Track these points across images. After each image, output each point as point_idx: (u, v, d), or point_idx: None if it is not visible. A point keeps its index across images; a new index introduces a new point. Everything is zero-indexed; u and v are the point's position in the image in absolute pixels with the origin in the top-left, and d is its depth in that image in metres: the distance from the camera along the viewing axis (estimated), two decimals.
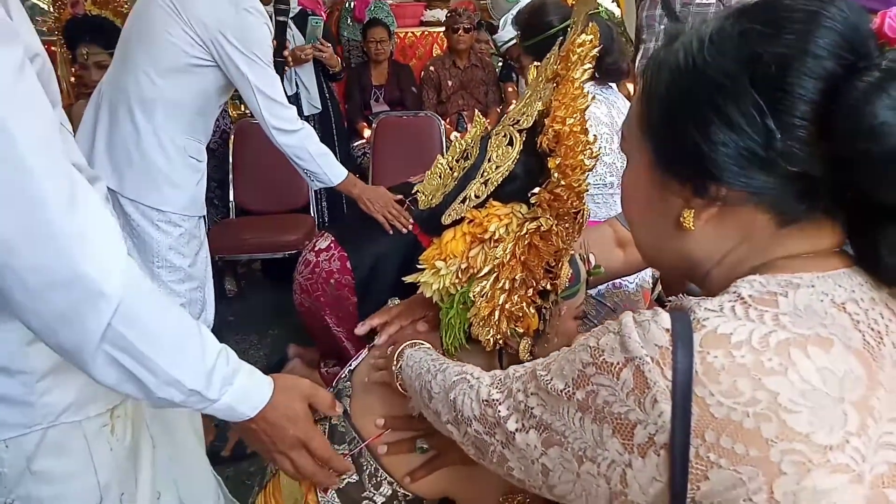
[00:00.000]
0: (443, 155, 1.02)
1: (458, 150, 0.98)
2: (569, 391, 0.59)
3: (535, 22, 1.87)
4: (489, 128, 1.00)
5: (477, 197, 0.90)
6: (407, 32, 5.33)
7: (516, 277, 0.89)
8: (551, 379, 0.61)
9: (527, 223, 0.88)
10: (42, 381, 0.94)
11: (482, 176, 0.90)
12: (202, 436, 1.48)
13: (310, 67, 3.58)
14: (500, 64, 4.64)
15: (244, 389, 0.91)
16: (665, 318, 0.55)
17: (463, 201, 0.91)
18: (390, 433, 0.99)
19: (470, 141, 0.96)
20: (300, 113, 3.80)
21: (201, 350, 0.87)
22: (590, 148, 0.84)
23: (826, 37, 0.53)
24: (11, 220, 0.71)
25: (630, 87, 2.44)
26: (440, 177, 0.98)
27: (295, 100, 3.47)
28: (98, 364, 0.80)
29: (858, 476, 0.48)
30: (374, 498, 0.99)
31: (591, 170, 0.85)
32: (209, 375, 0.86)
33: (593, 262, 1.11)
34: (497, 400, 0.68)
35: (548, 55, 0.90)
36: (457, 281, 0.92)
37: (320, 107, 3.63)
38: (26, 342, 0.91)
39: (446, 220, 0.92)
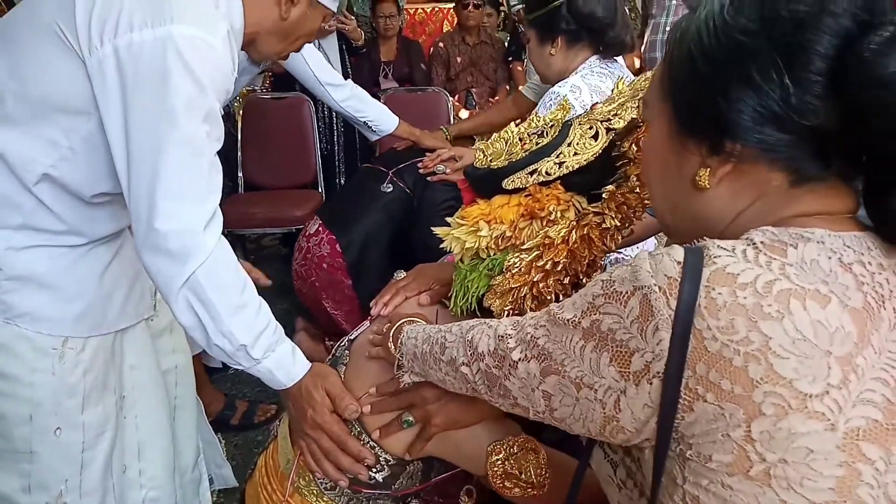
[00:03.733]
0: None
1: (533, 125, 1.00)
2: (575, 320, 0.62)
3: None
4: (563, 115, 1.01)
5: (548, 174, 0.92)
6: (417, 9, 5.30)
7: (559, 261, 0.91)
8: (562, 311, 0.65)
9: (590, 215, 0.91)
10: (9, 281, 1.10)
11: (557, 157, 0.92)
12: (189, 411, 1.52)
13: (333, 39, 3.56)
14: (508, 40, 4.62)
15: (285, 360, 1.07)
16: (679, 252, 0.57)
17: (531, 173, 0.93)
18: (379, 415, 1.02)
19: (549, 121, 0.98)
20: None
21: (255, 315, 1.05)
22: None
23: None
24: (178, 180, 0.99)
25: (636, 60, 2.42)
26: (506, 142, 0.99)
27: None
28: (180, 304, 1.01)
29: (832, 425, 0.51)
30: None
31: None
32: (257, 336, 1.04)
33: None
34: (510, 335, 0.71)
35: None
36: (493, 246, 0.94)
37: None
38: (13, 248, 1.10)
39: (508, 184, 0.93)
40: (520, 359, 0.68)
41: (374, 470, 1.02)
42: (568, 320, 0.63)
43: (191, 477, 1.53)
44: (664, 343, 0.55)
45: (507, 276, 0.92)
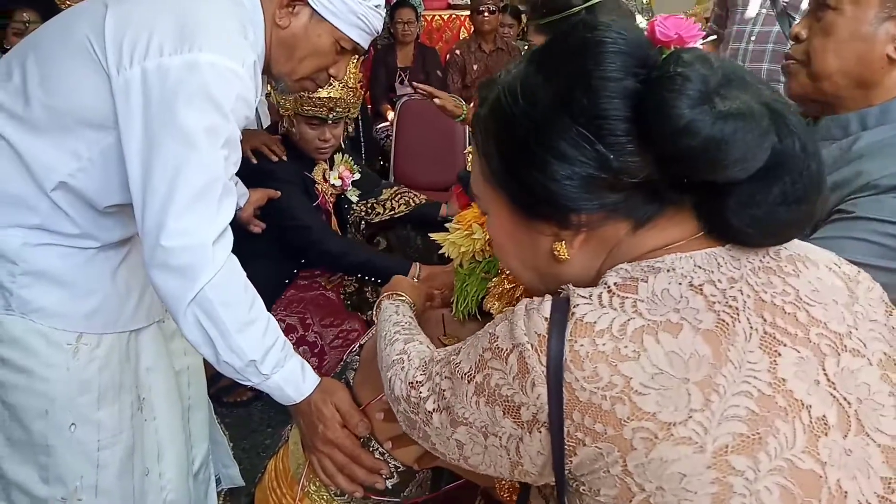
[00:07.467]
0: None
1: None
2: (470, 374, 0.65)
3: None
4: None
5: None
6: (434, 15, 5.32)
7: None
8: (460, 363, 0.67)
9: None
10: (25, 276, 1.13)
11: None
12: (201, 412, 1.53)
13: None
14: (526, 48, 4.62)
15: (293, 375, 1.08)
16: (547, 306, 0.60)
17: None
18: (390, 424, 1.00)
19: None
20: None
21: (264, 330, 1.06)
22: None
23: (616, 60, 0.58)
24: (190, 201, 1.00)
25: None
26: None
27: None
28: (188, 321, 1.02)
29: (701, 447, 0.53)
30: None
31: None
32: (266, 352, 1.04)
33: None
34: (420, 382, 0.73)
35: None
36: (487, 248, 0.93)
37: None
38: (28, 244, 1.13)
39: None
40: (433, 409, 0.70)
41: (384, 477, 1.01)
42: (465, 374, 0.66)
43: (202, 477, 1.54)
44: (543, 397, 0.58)
45: (501, 277, 0.91)
